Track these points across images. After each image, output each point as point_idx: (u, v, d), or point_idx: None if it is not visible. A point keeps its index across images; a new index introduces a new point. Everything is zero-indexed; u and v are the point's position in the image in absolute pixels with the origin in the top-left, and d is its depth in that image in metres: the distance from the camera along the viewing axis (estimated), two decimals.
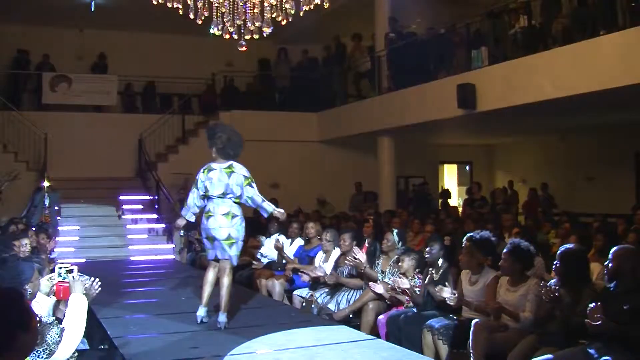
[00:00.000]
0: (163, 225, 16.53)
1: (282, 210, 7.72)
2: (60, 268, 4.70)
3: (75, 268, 4.69)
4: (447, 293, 6.51)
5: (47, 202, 14.78)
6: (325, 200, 18.89)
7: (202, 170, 7.53)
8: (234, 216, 7.33)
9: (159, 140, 19.38)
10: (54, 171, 16.62)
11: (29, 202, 15.37)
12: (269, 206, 7.56)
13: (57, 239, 12.22)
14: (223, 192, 7.34)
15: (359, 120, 17.57)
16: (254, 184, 7.44)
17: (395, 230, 8.66)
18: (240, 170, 7.44)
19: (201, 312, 7.44)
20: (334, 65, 19.57)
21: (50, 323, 3.90)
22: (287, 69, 21.09)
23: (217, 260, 7.49)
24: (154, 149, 19.22)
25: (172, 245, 15.69)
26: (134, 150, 19.08)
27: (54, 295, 4.72)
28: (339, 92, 19.42)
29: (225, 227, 7.30)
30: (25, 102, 19.16)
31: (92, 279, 4.77)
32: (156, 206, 17.28)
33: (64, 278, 4.65)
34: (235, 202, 7.39)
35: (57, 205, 15.44)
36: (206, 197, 7.44)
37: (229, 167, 7.42)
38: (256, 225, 13.62)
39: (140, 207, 17.50)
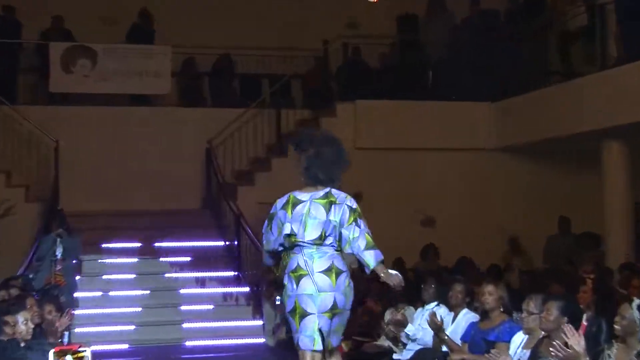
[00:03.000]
0: (246, 289, 16.16)
1: (394, 272, 7.70)
2: (65, 354, 5.73)
3: (88, 351, 5.82)
4: None
5: (59, 252, 14.00)
6: (519, 241, 18.02)
7: (282, 203, 7.79)
8: (339, 273, 7.53)
9: (240, 151, 18.88)
10: (69, 201, 16.30)
11: (29, 253, 14.87)
12: (371, 257, 7.50)
13: (74, 312, 12.03)
14: (320, 236, 7.52)
15: (567, 114, 16.50)
16: (362, 220, 7.60)
17: (637, 301, 7.75)
18: (343, 199, 7.63)
19: None
20: (524, 23, 18.32)
21: None
22: (445, 30, 20.01)
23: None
24: (231, 164, 18.87)
25: (260, 322, 15.35)
26: (199, 166, 18.74)
27: None
28: (532, 67, 18.21)
29: (328, 291, 7.50)
30: (22, 92, 18.79)
31: None
32: (236, 256, 16.87)
33: None
34: (337, 251, 7.64)
35: (77, 258, 14.77)
36: (291, 245, 7.64)
37: (326, 195, 7.65)
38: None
39: (210, 259, 17.01)
